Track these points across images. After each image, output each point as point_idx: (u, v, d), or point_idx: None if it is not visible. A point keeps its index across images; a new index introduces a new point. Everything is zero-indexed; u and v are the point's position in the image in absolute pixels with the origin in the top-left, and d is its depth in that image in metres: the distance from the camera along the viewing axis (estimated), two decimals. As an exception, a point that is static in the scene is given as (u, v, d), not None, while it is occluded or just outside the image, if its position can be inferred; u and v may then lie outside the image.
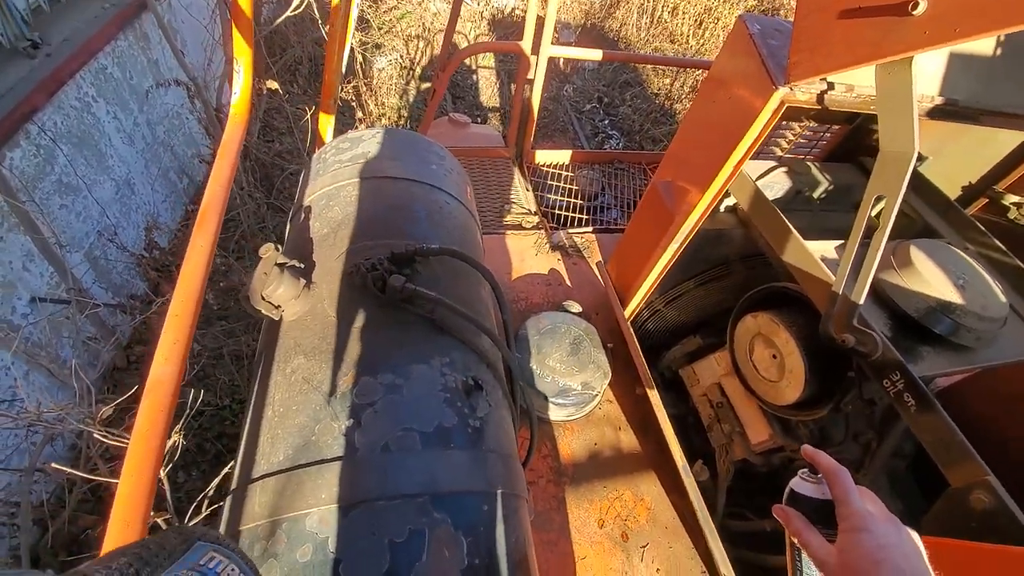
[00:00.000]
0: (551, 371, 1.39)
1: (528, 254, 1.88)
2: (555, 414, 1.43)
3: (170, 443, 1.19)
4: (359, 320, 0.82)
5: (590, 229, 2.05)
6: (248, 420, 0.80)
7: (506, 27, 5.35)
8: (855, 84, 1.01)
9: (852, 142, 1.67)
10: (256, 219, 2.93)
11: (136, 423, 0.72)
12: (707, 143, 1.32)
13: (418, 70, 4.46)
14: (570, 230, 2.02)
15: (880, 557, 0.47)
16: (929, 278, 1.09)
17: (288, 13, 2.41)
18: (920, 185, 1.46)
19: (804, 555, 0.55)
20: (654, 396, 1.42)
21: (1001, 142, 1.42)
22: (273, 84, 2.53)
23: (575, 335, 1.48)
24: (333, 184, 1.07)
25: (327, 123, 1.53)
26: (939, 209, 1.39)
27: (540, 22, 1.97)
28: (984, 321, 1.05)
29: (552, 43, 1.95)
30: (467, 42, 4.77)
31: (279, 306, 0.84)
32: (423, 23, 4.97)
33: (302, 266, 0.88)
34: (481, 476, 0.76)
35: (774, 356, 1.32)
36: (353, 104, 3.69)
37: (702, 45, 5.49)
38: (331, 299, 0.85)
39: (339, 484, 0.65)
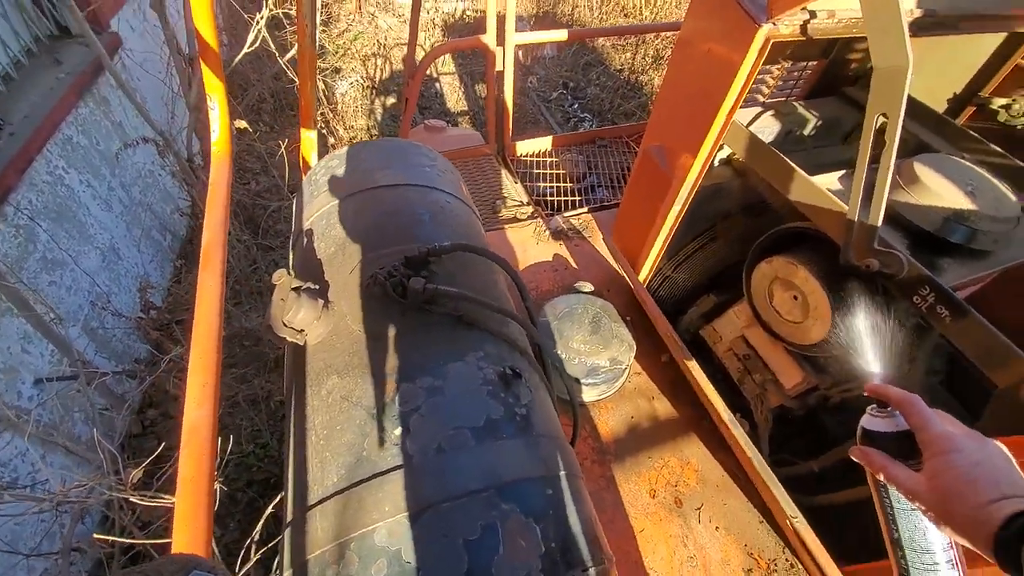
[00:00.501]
0: (577, 353, 1.38)
1: (529, 244, 1.86)
2: (588, 395, 1.42)
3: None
4: (386, 329, 0.81)
5: (585, 210, 2.04)
6: (291, 451, 0.78)
7: (459, 30, 5.34)
8: (835, 9, 1.00)
9: (831, 75, 1.66)
10: (247, 261, 2.90)
11: (180, 472, 0.69)
12: (692, 101, 1.31)
13: (380, 88, 4.44)
14: (566, 214, 2.01)
15: (975, 475, 0.46)
16: (938, 190, 1.09)
17: (245, 50, 2.39)
18: (908, 104, 1.46)
19: (892, 490, 0.53)
20: (684, 354, 1.40)
21: (976, 50, 1.43)
22: (242, 123, 2.50)
23: (593, 313, 1.47)
24: (330, 203, 1.05)
25: (310, 146, 1.51)
26: (931, 124, 1.39)
27: (500, 17, 1.96)
28: (999, 223, 1.04)
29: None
30: (424, 52, 4.76)
31: (302, 330, 0.82)
32: (377, 40, 4.95)
33: (317, 287, 0.87)
34: (538, 461, 0.75)
35: (795, 297, 1.32)
36: (323, 131, 3.66)
37: (655, 15, 5.51)
38: (353, 314, 0.83)
39: (401, 494, 0.63)
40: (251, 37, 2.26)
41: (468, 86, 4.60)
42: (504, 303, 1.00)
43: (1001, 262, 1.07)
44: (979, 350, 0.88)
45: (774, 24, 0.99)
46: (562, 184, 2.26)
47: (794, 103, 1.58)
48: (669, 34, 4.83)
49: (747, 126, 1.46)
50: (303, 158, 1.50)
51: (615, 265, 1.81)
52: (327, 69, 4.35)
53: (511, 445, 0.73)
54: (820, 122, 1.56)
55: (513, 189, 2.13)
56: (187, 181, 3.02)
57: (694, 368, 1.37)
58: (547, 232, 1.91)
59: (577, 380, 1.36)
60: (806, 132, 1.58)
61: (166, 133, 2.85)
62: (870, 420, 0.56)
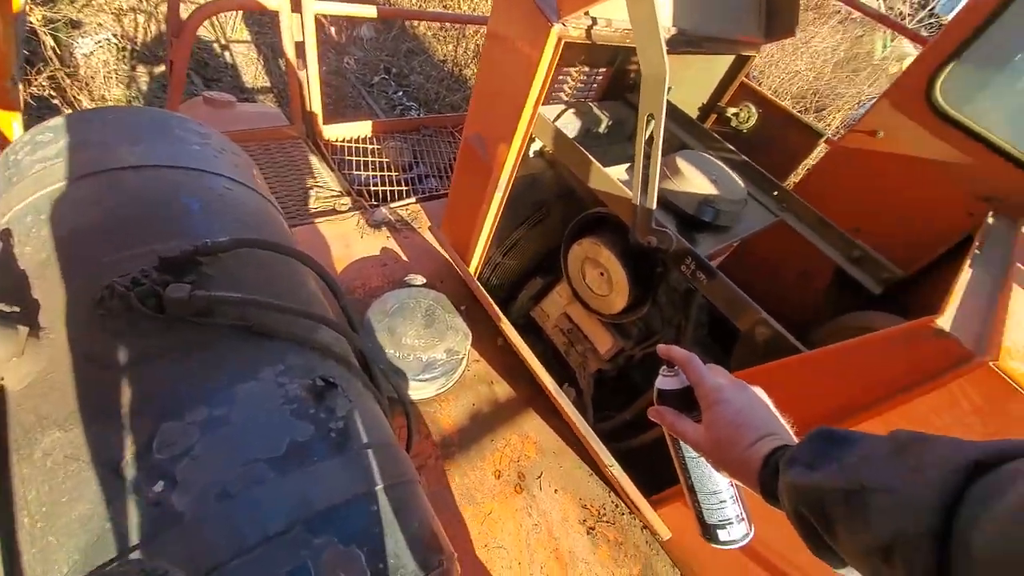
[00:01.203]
0: (411, 349, 1.32)
1: (352, 238, 1.71)
2: (427, 390, 1.38)
3: None
4: (134, 356, 0.62)
5: (413, 200, 1.97)
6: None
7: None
8: (612, 19, 1.13)
9: (617, 82, 1.92)
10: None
11: None
12: (504, 93, 1.35)
13: (146, 52, 3.54)
14: (392, 205, 1.91)
15: (739, 420, 0.51)
16: (693, 180, 1.34)
17: None
18: (671, 111, 1.78)
19: (682, 443, 0.58)
20: (512, 335, 1.47)
21: (717, 68, 1.81)
22: None
23: (426, 306, 1.42)
24: (39, 191, 0.76)
25: (9, 117, 1.08)
26: (687, 127, 1.72)
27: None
28: (733, 204, 1.35)
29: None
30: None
31: (-5, 373, 0.58)
32: (138, -8, 3.92)
33: (16, 310, 0.62)
34: (360, 477, 0.67)
35: (601, 274, 1.49)
36: (56, 101, 2.75)
37: (473, 7, 5.64)
38: (80, 342, 0.62)
39: (174, 566, 0.49)
40: None
41: (270, 60, 4.00)
42: (316, 304, 0.88)
43: (737, 234, 1.38)
44: (726, 303, 1.12)
45: (564, 25, 1.07)
46: (387, 173, 2.14)
47: (590, 104, 1.78)
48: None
49: (554, 121, 1.59)
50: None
51: (447, 254, 1.79)
52: (58, 21, 3.27)
53: (325, 468, 0.64)
54: (611, 121, 1.79)
55: (329, 177, 1.92)
56: None
57: (523, 348, 1.45)
58: (371, 224, 1.78)
59: (412, 378, 1.30)
60: (600, 130, 1.79)
61: None
62: (661, 380, 0.61)
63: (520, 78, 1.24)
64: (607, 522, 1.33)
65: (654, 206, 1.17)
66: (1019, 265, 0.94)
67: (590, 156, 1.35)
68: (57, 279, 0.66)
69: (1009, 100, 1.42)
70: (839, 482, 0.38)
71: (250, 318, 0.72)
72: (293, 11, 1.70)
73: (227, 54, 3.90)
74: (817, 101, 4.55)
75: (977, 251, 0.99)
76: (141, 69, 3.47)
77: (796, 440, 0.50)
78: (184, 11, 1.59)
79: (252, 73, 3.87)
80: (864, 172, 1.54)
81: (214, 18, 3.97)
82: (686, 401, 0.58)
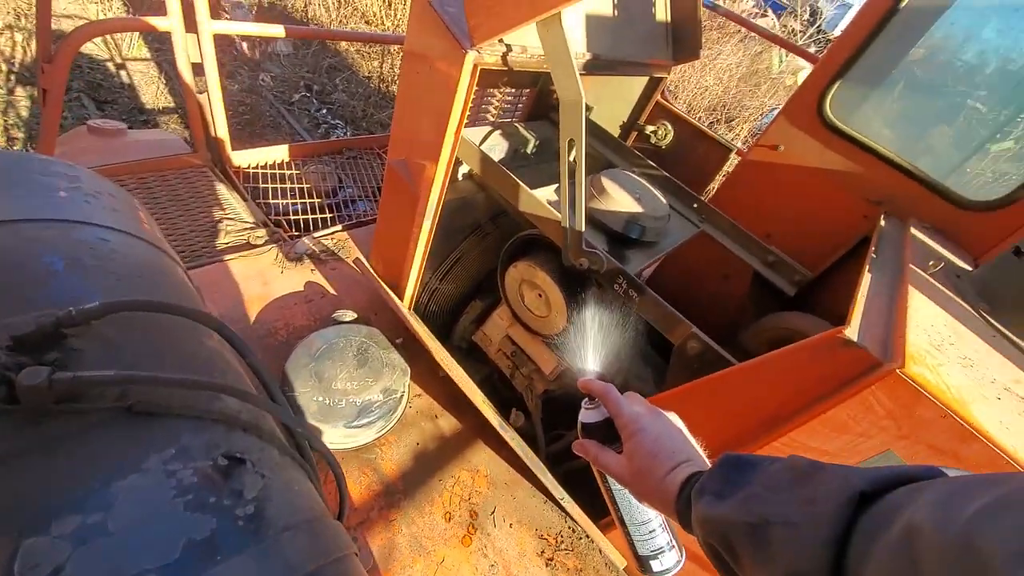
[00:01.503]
0: (343, 394, 1.22)
1: (271, 275, 1.58)
2: (365, 436, 1.28)
3: None
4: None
5: (339, 227, 1.86)
6: None
7: (151, 6, 4.23)
8: (527, 45, 1.13)
9: (541, 102, 1.95)
10: None
11: None
12: (425, 116, 1.31)
13: (27, 76, 3.13)
14: (315, 234, 1.79)
15: (655, 449, 0.52)
16: (619, 198, 1.37)
17: None
18: (594, 129, 1.82)
19: (608, 478, 0.58)
20: (455, 371, 1.41)
21: (634, 88, 1.88)
22: None
23: (358, 344, 1.33)
24: None
25: None
26: (611, 146, 1.77)
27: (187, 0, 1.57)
28: (658, 220, 1.39)
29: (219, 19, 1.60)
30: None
31: None
32: (15, 8, 3.47)
33: None
34: (280, 568, 0.59)
35: (539, 295, 1.48)
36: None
37: (396, 25, 5.56)
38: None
39: None
40: None
41: (172, 78, 3.68)
42: (215, 369, 0.78)
43: (663, 248, 1.43)
44: (658, 319, 1.14)
45: (479, 52, 1.05)
46: (309, 200, 2.01)
47: (516, 124, 1.78)
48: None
49: (480, 144, 1.57)
50: None
51: (379, 284, 1.71)
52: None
53: (233, 566, 0.55)
54: (538, 141, 1.80)
55: (240, 208, 1.77)
56: None
57: (462, 378, 1.40)
58: (292, 256, 1.65)
59: (348, 425, 1.21)
60: (528, 150, 1.80)
61: None
62: (583, 413, 0.61)
63: (440, 102, 1.21)
64: (565, 550, 1.30)
65: (583, 228, 1.17)
66: (911, 266, 1.04)
67: (518, 180, 1.34)
68: None
69: (891, 112, 1.60)
70: (743, 515, 0.39)
71: (130, 396, 0.61)
72: (188, 31, 1.55)
73: (123, 73, 3.55)
74: (727, 113, 4.93)
75: (873, 255, 1.08)
76: (20, 93, 3.06)
77: (709, 465, 0.51)
78: (70, 26, 1.39)
79: (152, 93, 3.53)
80: (770, 183, 1.66)
81: (108, 36, 3.60)
82: (609, 433, 0.58)
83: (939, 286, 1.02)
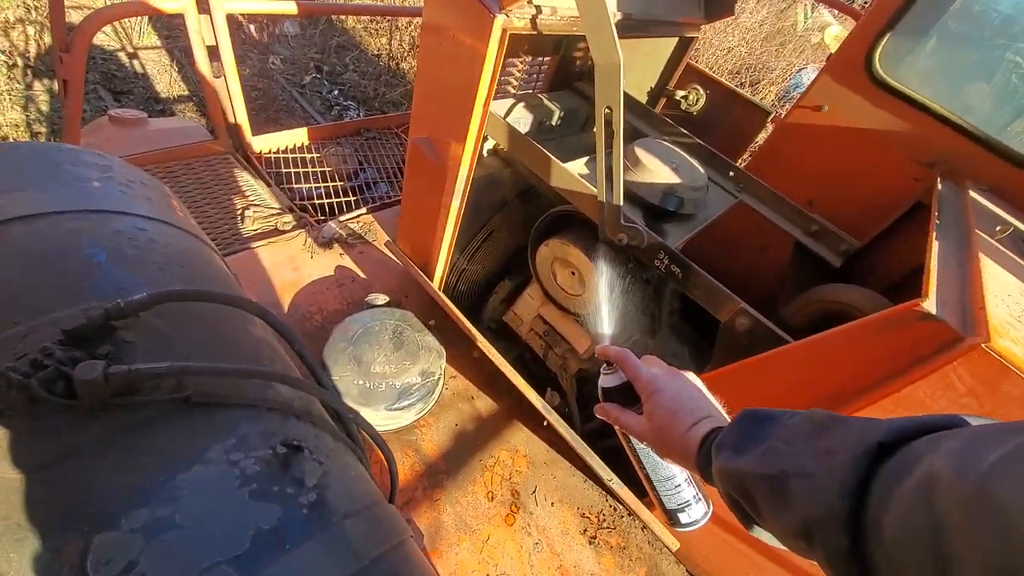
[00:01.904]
0: (383, 377, 1.22)
1: (301, 260, 1.57)
2: (405, 418, 1.29)
3: None
4: (46, 458, 0.51)
5: (364, 210, 1.84)
6: None
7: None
8: (556, 7, 1.06)
9: (563, 70, 1.86)
10: None
11: None
12: (449, 90, 1.26)
13: (43, 68, 3.14)
14: (341, 218, 1.77)
15: (674, 407, 0.53)
16: (655, 169, 1.31)
17: None
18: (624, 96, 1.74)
19: (632, 438, 0.60)
20: (491, 353, 1.40)
21: (662, 51, 1.78)
22: None
23: (393, 327, 1.33)
24: None
25: None
26: (639, 114, 1.69)
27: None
28: (696, 191, 1.33)
29: None
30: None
31: None
32: (24, 2, 3.46)
33: None
34: (347, 556, 0.59)
35: (572, 273, 1.45)
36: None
37: (404, 0, 5.40)
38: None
39: None
40: None
41: (184, 65, 3.65)
42: (263, 357, 0.77)
43: (702, 221, 1.37)
44: (704, 295, 1.10)
45: (507, 15, 0.99)
46: (331, 184, 1.99)
47: (539, 95, 1.71)
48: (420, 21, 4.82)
49: (504, 117, 1.51)
50: None
51: (408, 266, 1.69)
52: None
53: (302, 555, 0.55)
54: (562, 112, 1.73)
55: (266, 194, 1.75)
56: None
57: (497, 358, 1.38)
58: (320, 241, 1.64)
59: (389, 408, 1.21)
60: (553, 122, 1.73)
61: None
62: (603, 378, 0.62)
63: (465, 74, 1.16)
64: (608, 528, 1.30)
65: (621, 202, 1.12)
66: (977, 232, 0.97)
67: (549, 154, 1.29)
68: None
69: (946, 66, 1.48)
70: (762, 467, 0.40)
71: (187, 387, 0.61)
72: (200, 12, 1.51)
73: (135, 63, 3.53)
74: (752, 75, 4.70)
75: (937, 221, 1.01)
76: (39, 87, 3.07)
77: (729, 421, 0.51)
78: (80, 16, 1.37)
79: (166, 81, 3.51)
80: (812, 147, 1.57)
81: (117, 25, 3.57)
82: (628, 396, 0.59)
83: (1010, 253, 0.95)
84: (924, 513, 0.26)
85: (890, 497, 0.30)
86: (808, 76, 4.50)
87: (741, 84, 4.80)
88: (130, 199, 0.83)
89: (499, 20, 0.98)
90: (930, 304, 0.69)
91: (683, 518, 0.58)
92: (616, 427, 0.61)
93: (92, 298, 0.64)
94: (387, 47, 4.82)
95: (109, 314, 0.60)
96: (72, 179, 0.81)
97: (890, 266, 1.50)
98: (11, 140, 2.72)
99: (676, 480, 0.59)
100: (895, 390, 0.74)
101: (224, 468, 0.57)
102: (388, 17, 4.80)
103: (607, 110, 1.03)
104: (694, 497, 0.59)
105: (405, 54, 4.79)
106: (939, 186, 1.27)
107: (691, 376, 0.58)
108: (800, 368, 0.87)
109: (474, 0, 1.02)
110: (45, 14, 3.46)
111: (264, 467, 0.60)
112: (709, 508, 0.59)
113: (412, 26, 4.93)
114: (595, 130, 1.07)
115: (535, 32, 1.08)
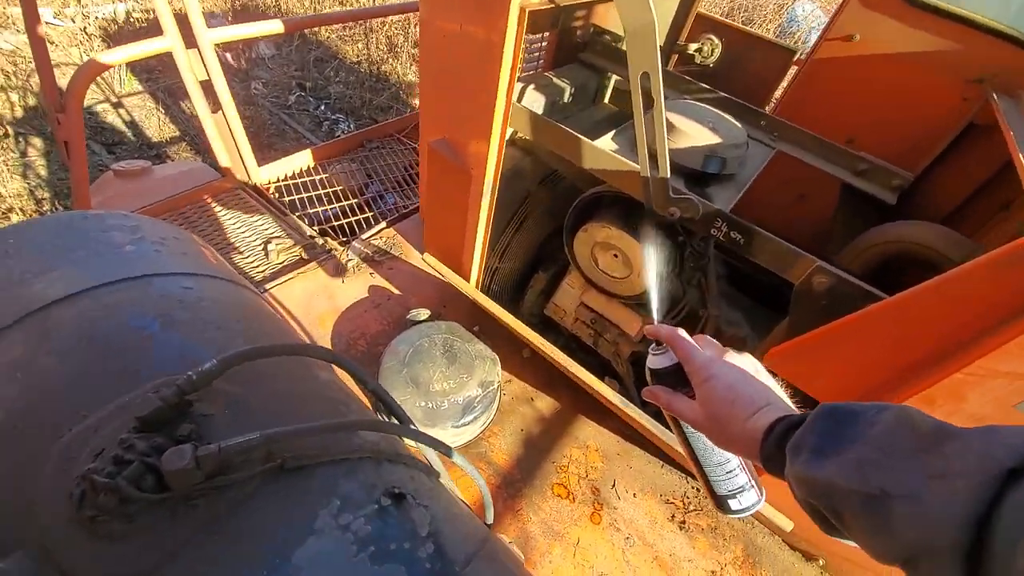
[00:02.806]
0: (443, 395, 1.18)
1: (333, 287, 1.53)
2: (471, 432, 1.25)
3: None
4: (150, 562, 0.47)
5: (384, 224, 1.79)
6: None
7: (129, 38, 4.11)
8: (572, -26, 0.98)
9: (565, 44, 1.76)
10: None
11: None
12: (463, 86, 1.19)
13: (38, 133, 3.11)
14: (363, 236, 1.72)
15: (732, 396, 0.50)
16: (692, 132, 1.23)
17: None
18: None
19: (683, 422, 0.56)
20: (544, 345, 1.34)
21: (669, 4, 1.67)
22: None
23: (442, 342, 1.28)
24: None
25: None
26: (654, 75, 1.59)
27: (181, 15, 1.45)
28: (738, 149, 1.25)
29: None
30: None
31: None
32: (1, 69, 3.42)
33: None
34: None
35: (615, 256, 1.38)
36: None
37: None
38: (72, 567, 0.46)
39: None
40: None
41: (170, 105, 3.60)
42: (341, 400, 0.73)
43: (746, 179, 1.29)
44: (772, 259, 1.03)
45: (524, -7, 0.91)
46: (344, 203, 1.93)
47: (546, 74, 1.62)
48: (397, 18, 4.68)
49: (517, 102, 1.44)
50: None
51: (442, 277, 1.64)
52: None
53: (440, 613, 0.51)
54: (573, 88, 1.64)
55: (284, 224, 1.70)
56: None
57: (557, 354, 1.33)
58: (349, 264, 1.59)
59: (456, 425, 1.17)
60: (565, 100, 1.64)
61: None
62: (651, 359, 0.59)
63: (480, 65, 1.08)
64: (695, 510, 1.26)
65: (668, 174, 1.05)
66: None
67: (576, 134, 1.22)
68: (5, 487, 0.49)
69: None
70: (855, 483, 0.36)
71: (277, 454, 0.57)
72: (188, 48, 1.44)
73: (122, 111, 3.48)
74: (744, 16, 4.50)
75: (1015, 140, 0.93)
76: (33, 152, 3.04)
77: (794, 408, 0.49)
78: (60, 76, 1.31)
79: (155, 125, 3.47)
80: (847, 81, 1.47)
81: (100, 76, 3.52)
82: (678, 378, 0.56)
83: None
84: None
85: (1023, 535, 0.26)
86: (802, 8, 4.30)
87: (732, 28, 4.60)
88: (167, 258, 0.79)
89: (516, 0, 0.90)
90: (1059, 234, 0.62)
91: (734, 505, 0.55)
92: (665, 412, 0.58)
93: (153, 374, 0.59)
94: (365, 52, 4.71)
95: (182, 390, 0.55)
96: (104, 248, 0.76)
97: (945, 196, 1.41)
98: (16, 212, 2.70)
99: (729, 466, 0.55)
100: (1020, 332, 0.68)
101: (337, 535, 0.53)
102: (360, 21, 4.68)
103: (644, 75, 0.95)
104: (747, 483, 0.56)
105: (385, 56, 4.68)
106: (996, 101, 1.18)
107: (748, 358, 0.55)
108: (904, 323, 0.81)
109: (483, -17, 0.94)
110: (24, 78, 3.42)
111: (375, 525, 0.56)
112: (762, 495, 0.56)
113: (386, 25, 4.80)
114: (632, 100, 0.99)
115: (552, 6, 1.00)
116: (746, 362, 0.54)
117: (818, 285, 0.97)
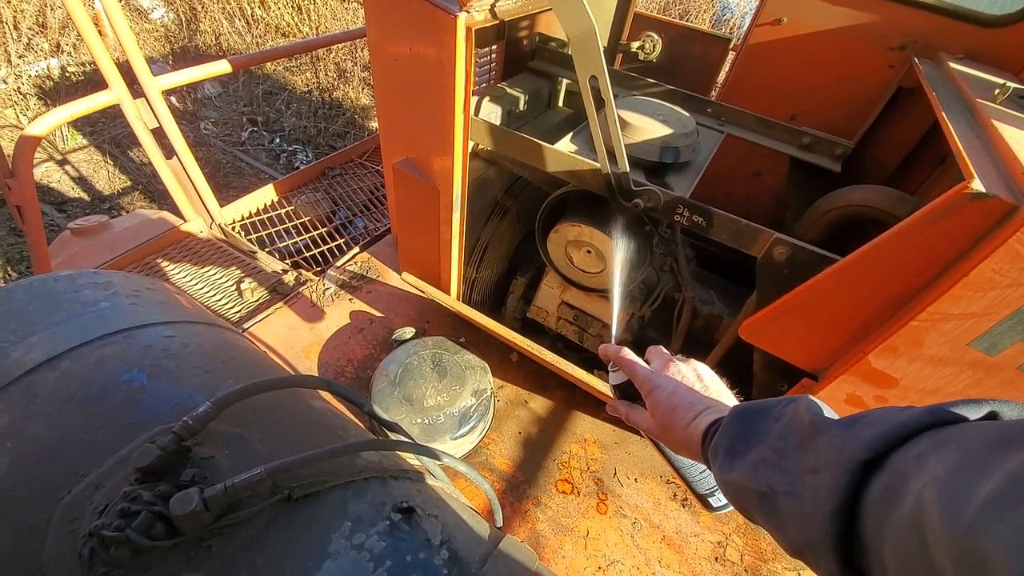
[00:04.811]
0: (438, 408, 1.19)
1: (313, 317, 1.52)
2: (470, 441, 1.26)
3: None
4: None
5: (357, 249, 1.79)
6: None
7: (67, 94, 3.98)
8: (511, -10, 1.02)
9: (513, 54, 1.81)
10: None
11: None
12: (420, 105, 1.21)
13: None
14: (337, 264, 1.71)
15: (673, 403, 0.52)
16: (644, 126, 1.29)
17: None
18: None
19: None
20: (532, 347, 1.37)
21: (608, 7, 1.74)
22: None
23: (431, 356, 1.29)
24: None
25: None
26: (603, 75, 1.65)
27: (123, 64, 1.43)
28: (689, 137, 1.31)
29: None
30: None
31: None
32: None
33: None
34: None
35: (588, 252, 1.42)
36: None
37: (314, 30, 5.25)
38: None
39: None
40: None
41: (117, 155, 3.50)
42: (341, 425, 0.73)
43: (701, 165, 1.35)
44: (733, 236, 1.09)
45: (468, 12, 0.95)
46: (314, 232, 1.92)
47: (499, 86, 1.66)
48: (343, 46, 4.69)
49: (475, 116, 1.47)
50: None
51: (422, 294, 1.65)
52: None
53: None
54: (527, 96, 1.69)
55: (255, 262, 1.69)
56: None
57: (546, 354, 1.36)
58: (326, 292, 1.59)
59: (454, 435, 1.18)
60: (520, 108, 1.69)
61: None
62: (611, 376, 0.62)
63: (434, 85, 1.11)
64: (695, 487, 1.30)
65: (627, 168, 1.10)
66: (979, 100, 0.97)
67: (539, 141, 1.26)
68: (11, 558, 0.49)
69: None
70: (753, 482, 0.38)
71: (283, 485, 0.57)
72: (135, 97, 1.42)
73: (68, 168, 3.36)
74: (680, 8, 4.69)
75: (937, 99, 1.01)
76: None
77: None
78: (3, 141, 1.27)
79: (105, 177, 3.36)
80: (782, 62, 1.56)
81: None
82: (636, 391, 0.59)
83: (1016, 113, 0.96)
84: (920, 553, 0.25)
85: (884, 525, 0.28)
86: (733, -4, 4.50)
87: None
88: (144, 310, 0.78)
89: (462, 18, 0.94)
90: (977, 184, 0.69)
91: (715, 502, 0.57)
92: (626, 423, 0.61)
93: (148, 424, 0.60)
94: (315, 80, 4.69)
95: (180, 436, 0.55)
96: (79, 308, 0.75)
97: (884, 158, 1.51)
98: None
99: (701, 466, 0.56)
100: (963, 274, 0.74)
101: (353, 555, 0.54)
102: (306, 52, 4.67)
103: (592, 78, 1.00)
104: None
105: (335, 83, 4.67)
106: (919, 65, 1.27)
107: (693, 364, 0.57)
108: (859, 280, 0.87)
109: (427, 7, 0.98)
110: (-43, 143, 3.28)
111: (388, 540, 0.57)
112: None
113: (332, 52, 4.79)
114: (584, 102, 1.04)
115: (496, 22, 1.04)
116: (689, 369, 0.57)
117: (778, 256, 1.03)
